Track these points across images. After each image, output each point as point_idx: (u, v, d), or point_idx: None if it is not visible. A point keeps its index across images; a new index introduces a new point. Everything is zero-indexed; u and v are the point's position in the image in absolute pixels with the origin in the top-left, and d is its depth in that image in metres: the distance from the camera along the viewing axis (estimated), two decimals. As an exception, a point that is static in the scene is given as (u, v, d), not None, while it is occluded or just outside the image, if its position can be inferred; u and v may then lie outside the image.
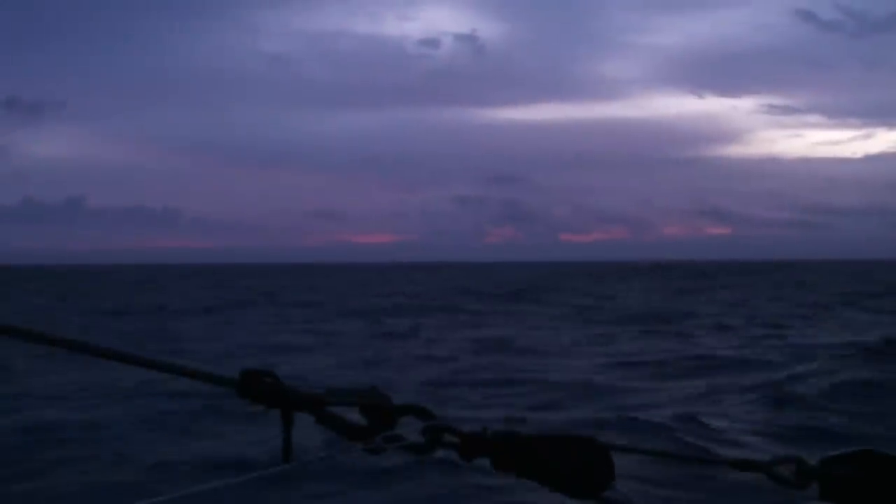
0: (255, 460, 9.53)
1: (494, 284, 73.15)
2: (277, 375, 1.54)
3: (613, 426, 11.49)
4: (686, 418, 11.97)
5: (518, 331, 27.90)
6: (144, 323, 32.27)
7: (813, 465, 1.67)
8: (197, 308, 40.69)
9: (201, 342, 24.65)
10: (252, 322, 32.89)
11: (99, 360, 1.48)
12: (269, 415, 1.54)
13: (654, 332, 26.61)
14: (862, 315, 32.56)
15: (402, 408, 1.61)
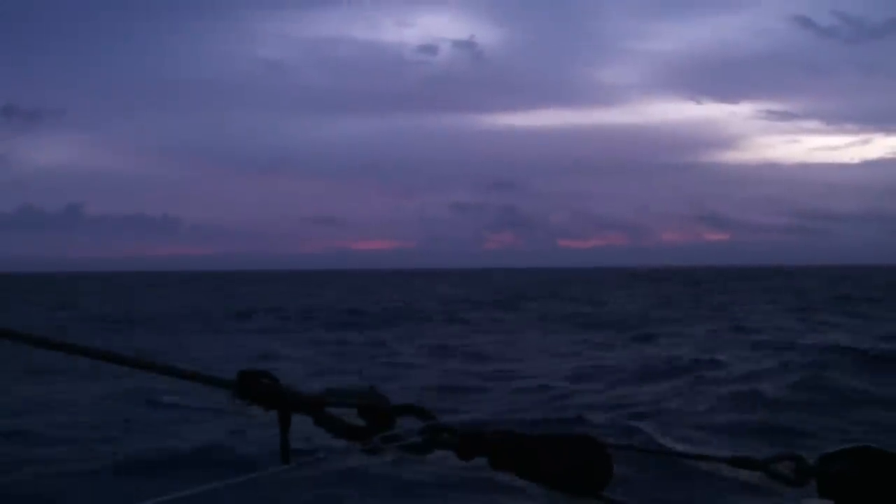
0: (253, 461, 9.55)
1: (493, 290, 73.11)
2: (275, 377, 1.54)
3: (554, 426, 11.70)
4: (622, 420, 12.24)
5: (495, 337, 28.12)
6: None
7: (811, 462, 1.67)
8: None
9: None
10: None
11: (97, 363, 1.48)
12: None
13: (635, 338, 26.74)
14: (844, 319, 32.83)
15: (400, 408, 1.61)
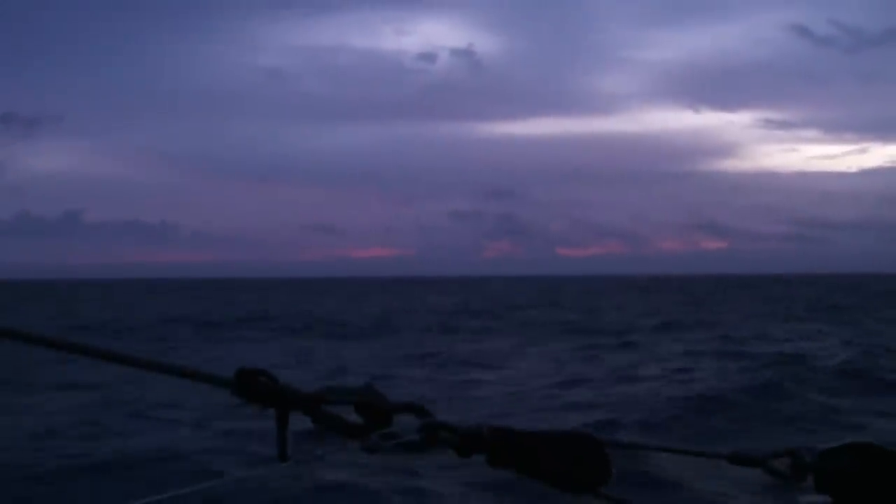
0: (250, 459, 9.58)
1: (483, 299, 72.82)
2: (273, 375, 1.54)
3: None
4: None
5: (475, 346, 28.12)
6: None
7: (809, 458, 1.67)
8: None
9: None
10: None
11: (97, 361, 1.48)
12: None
13: (614, 346, 26.84)
14: (821, 326, 33.12)
15: (398, 406, 1.60)
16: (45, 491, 9.16)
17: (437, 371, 21.24)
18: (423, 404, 1.61)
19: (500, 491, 8.41)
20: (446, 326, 38.34)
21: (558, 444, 1.61)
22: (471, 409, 14.77)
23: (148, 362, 1.51)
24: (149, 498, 1.31)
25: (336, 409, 1.58)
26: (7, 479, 9.39)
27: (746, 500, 8.27)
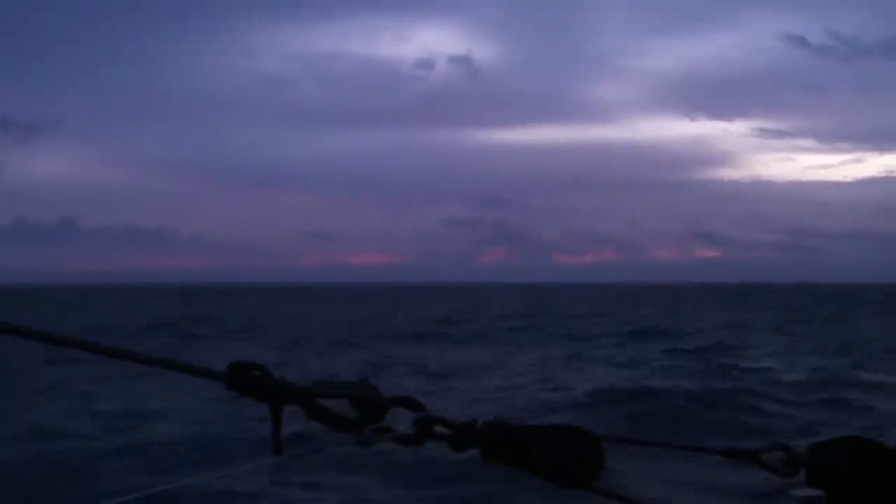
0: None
1: (473, 308, 72.58)
2: (267, 369, 1.54)
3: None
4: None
5: (450, 354, 28.24)
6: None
7: (801, 452, 1.68)
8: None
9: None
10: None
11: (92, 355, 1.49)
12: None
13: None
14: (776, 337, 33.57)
15: (392, 400, 1.60)
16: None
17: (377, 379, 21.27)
18: (417, 399, 1.62)
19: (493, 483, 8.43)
20: (414, 334, 38.32)
21: (552, 438, 1.61)
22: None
23: (143, 357, 1.51)
24: (143, 492, 1.31)
25: (330, 403, 1.58)
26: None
27: (740, 495, 8.31)
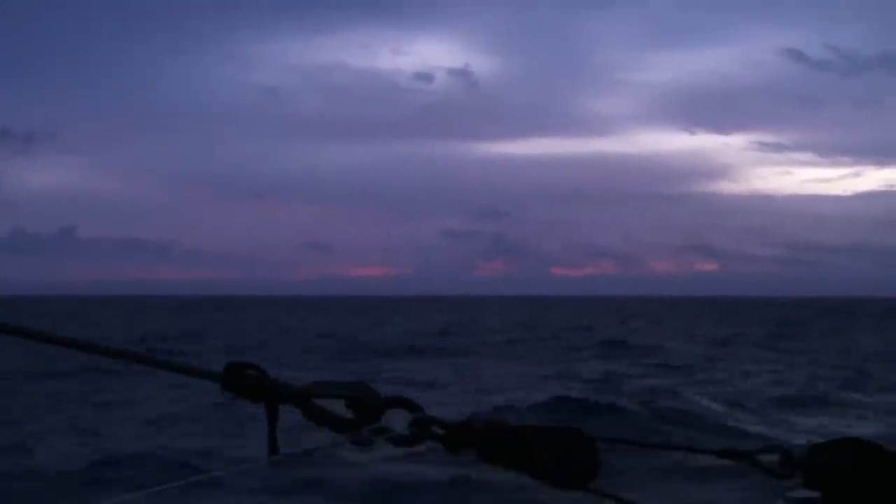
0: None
1: (461, 320, 72.35)
2: (262, 369, 1.54)
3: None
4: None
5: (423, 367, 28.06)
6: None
7: (797, 454, 1.68)
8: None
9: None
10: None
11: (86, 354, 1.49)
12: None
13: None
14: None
15: (388, 400, 1.60)
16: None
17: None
18: (413, 399, 1.62)
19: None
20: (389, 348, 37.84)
21: (549, 438, 1.61)
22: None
23: (139, 356, 1.52)
24: (140, 492, 1.31)
25: (326, 403, 1.58)
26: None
27: (736, 497, 8.31)
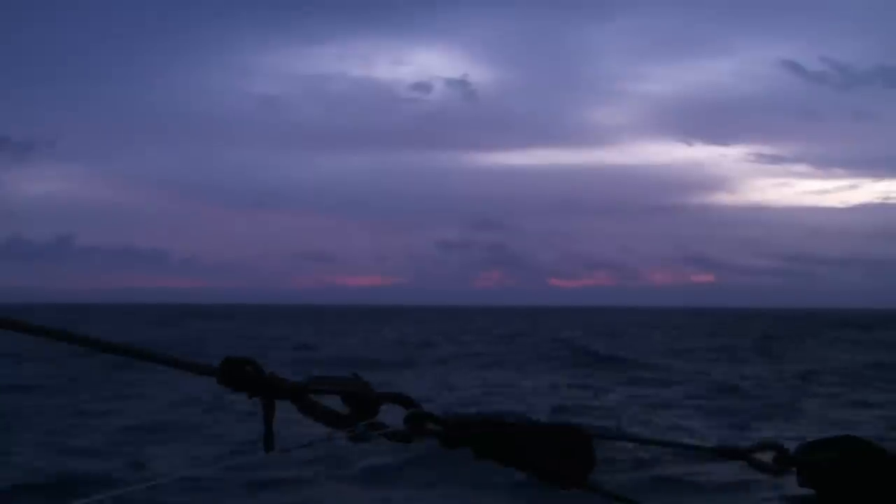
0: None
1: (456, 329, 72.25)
2: (259, 364, 1.54)
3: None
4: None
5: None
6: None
7: (792, 451, 1.68)
8: None
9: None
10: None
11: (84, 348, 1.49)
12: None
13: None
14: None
15: (384, 396, 1.61)
16: None
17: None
18: (409, 395, 1.62)
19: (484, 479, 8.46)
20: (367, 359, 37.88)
21: (544, 435, 1.62)
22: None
23: (137, 351, 1.52)
24: (136, 486, 1.31)
25: (323, 398, 1.59)
26: None
27: (730, 493, 8.34)
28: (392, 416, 1.61)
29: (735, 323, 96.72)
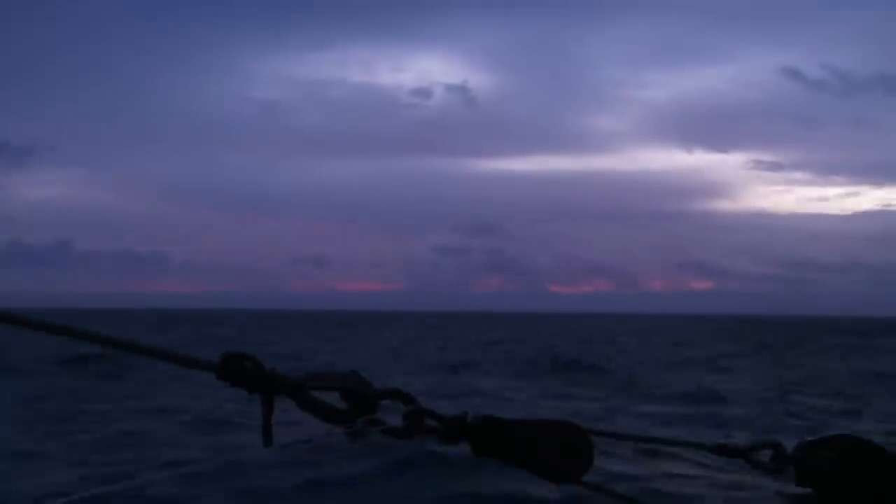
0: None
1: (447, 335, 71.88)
2: (258, 360, 1.55)
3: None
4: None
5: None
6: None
7: (790, 450, 1.68)
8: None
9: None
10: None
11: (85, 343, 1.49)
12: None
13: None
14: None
15: (383, 392, 1.61)
16: None
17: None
18: (408, 392, 1.62)
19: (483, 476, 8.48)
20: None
21: (542, 431, 1.62)
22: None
23: (136, 346, 1.52)
24: (136, 480, 1.31)
25: (321, 394, 1.59)
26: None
27: (728, 491, 8.33)
28: (391, 413, 1.62)
29: (734, 329, 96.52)
